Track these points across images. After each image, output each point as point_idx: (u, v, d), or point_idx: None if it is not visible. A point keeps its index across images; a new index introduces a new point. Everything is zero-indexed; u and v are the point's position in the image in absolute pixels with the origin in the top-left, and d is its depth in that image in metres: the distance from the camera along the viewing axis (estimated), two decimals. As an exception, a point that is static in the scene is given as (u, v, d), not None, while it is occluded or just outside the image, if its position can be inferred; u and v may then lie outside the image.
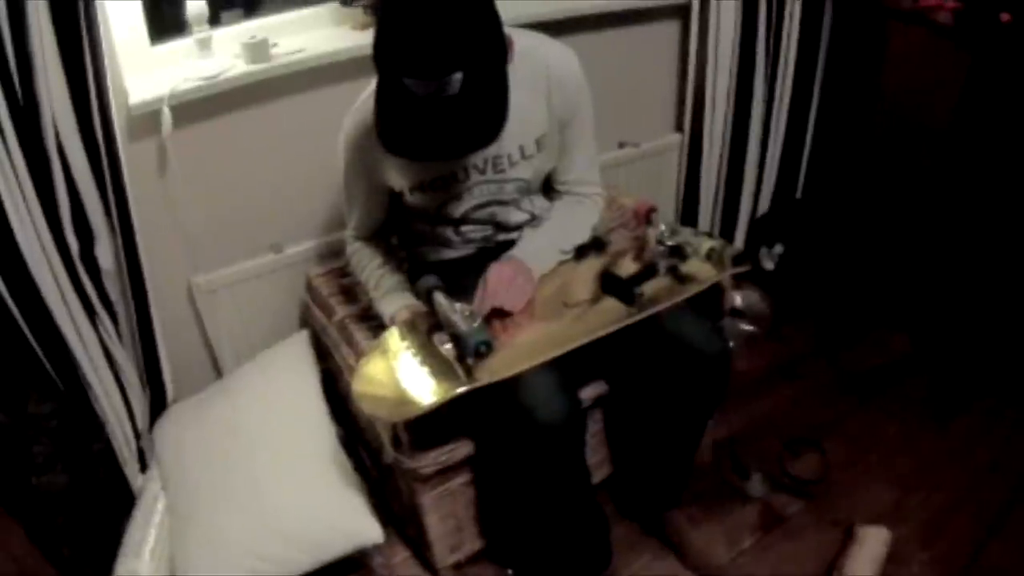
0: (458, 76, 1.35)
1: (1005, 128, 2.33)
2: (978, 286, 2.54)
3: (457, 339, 1.52)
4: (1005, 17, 2.27)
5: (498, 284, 1.62)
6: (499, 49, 1.44)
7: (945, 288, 2.60)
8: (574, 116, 1.71)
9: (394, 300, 1.74)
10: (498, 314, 1.61)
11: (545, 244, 1.78)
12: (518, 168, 1.71)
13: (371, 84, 1.53)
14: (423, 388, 1.49)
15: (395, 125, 1.44)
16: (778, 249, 2.87)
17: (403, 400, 1.49)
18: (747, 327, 2.61)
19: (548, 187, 1.87)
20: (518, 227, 1.82)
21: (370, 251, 1.83)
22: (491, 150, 1.55)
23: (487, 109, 1.44)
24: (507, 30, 1.46)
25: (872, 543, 1.88)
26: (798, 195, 3.00)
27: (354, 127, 1.65)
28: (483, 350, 1.48)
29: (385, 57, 1.40)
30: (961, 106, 2.38)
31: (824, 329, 2.72)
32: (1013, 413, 2.32)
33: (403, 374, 1.54)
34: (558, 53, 1.69)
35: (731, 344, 1.75)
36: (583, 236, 1.83)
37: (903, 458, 2.19)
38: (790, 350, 2.63)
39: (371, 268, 1.81)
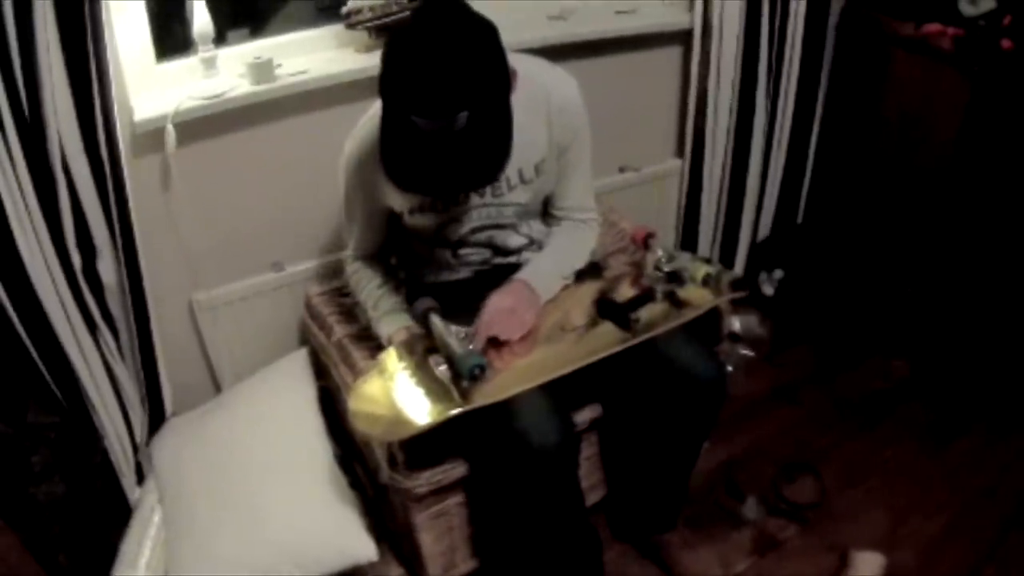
0: (464, 114, 1.37)
1: (1006, 155, 2.34)
2: (978, 311, 2.54)
3: (452, 361, 1.53)
4: (1006, 44, 2.28)
5: (495, 315, 1.63)
6: (504, 84, 1.46)
7: (945, 314, 2.61)
8: (573, 142, 1.73)
9: (392, 321, 1.75)
10: (494, 343, 1.62)
11: (550, 269, 1.79)
12: (516, 192, 1.73)
13: (373, 107, 1.55)
14: (419, 409, 1.50)
15: (400, 159, 1.46)
16: (778, 274, 2.88)
17: (398, 420, 1.50)
18: (745, 351, 2.61)
19: (545, 212, 1.88)
20: (516, 251, 1.83)
21: (369, 272, 1.84)
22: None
23: (492, 144, 1.45)
24: (509, 57, 1.47)
25: (867, 568, 1.88)
26: (799, 220, 3.01)
27: (355, 149, 1.67)
28: (477, 373, 1.49)
29: (392, 93, 1.41)
30: (962, 133, 2.39)
31: (823, 354, 2.72)
32: (1010, 439, 2.32)
33: (399, 394, 1.56)
34: (558, 80, 1.70)
35: (729, 368, 1.75)
36: (583, 261, 1.85)
37: (899, 483, 2.19)
38: (788, 374, 2.63)
39: (370, 289, 1.82)
